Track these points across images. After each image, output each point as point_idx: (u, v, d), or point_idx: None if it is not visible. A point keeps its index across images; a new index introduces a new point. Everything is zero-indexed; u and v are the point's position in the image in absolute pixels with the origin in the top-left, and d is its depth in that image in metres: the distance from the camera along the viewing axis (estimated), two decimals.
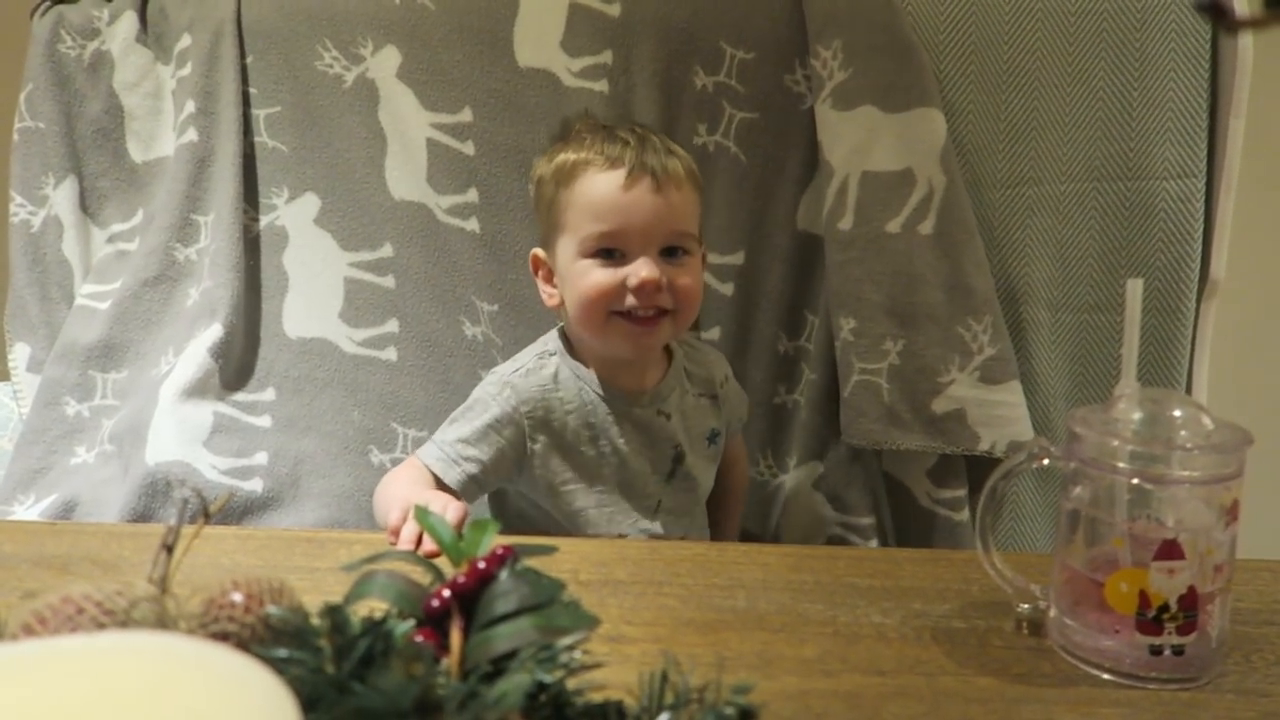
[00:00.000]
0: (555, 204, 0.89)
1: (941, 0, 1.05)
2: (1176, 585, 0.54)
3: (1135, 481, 0.56)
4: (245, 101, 1.12)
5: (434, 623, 0.41)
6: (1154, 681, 0.55)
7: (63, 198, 1.14)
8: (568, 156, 0.89)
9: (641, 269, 0.85)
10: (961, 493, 1.05)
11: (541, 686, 0.37)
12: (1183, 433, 0.56)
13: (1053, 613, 0.60)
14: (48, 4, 1.16)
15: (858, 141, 1.02)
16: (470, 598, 0.41)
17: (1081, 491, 0.58)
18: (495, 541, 0.44)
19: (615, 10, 1.07)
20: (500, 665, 0.38)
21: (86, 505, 1.00)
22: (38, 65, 1.14)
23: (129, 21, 1.14)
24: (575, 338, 0.92)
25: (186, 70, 1.12)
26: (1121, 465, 0.55)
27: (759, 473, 1.12)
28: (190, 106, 1.11)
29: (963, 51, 1.05)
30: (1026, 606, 0.62)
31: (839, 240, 1.03)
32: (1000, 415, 1.01)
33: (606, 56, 1.07)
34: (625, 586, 0.67)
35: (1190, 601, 0.54)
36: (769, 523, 1.11)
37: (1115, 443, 0.56)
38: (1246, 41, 1.01)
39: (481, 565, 0.42)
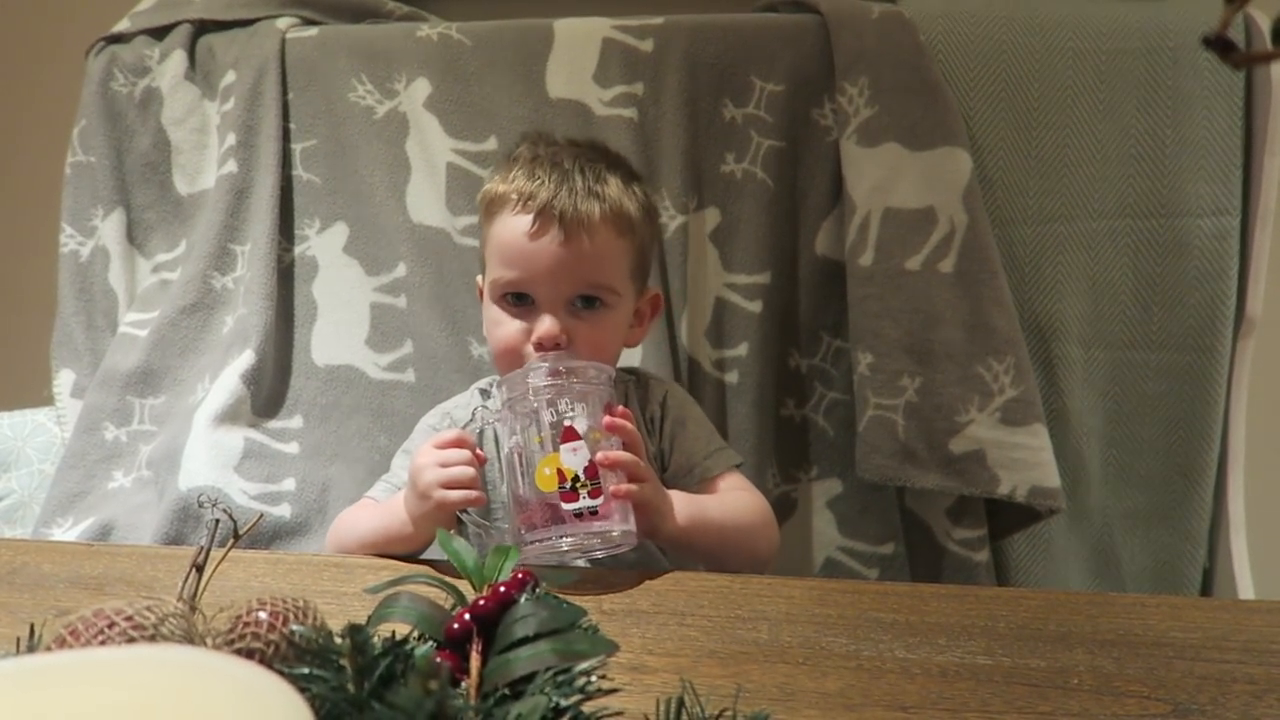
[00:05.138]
0: (481, 236, 0.89)
1: (971, 40, 1.05)
2: None
3: None
4: (285, 137, 1.15)
5: (455, 645, 0.41)
6: None
7: (111, 229, 1.18)
8: (495, 187, 0.86)
9: (543, 324, 0.81)
10: (981, 533, 1.03)
11: (558, 710, 0.37)
12: None
13: None
14: (101, 44, 1.21)
15: (881, 178, 1.03)
16: (490, 621, 0.42)
17: None
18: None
19: (648, 45, 1.10)
20: (518, 688, 0.38)
21: (122, 529, 1.02)
22: (91, 102, 1.19)
23: (178, 59, 1.18)
24: None
25: (230, 105, 1.16)
26: None
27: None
28: (231, 139, 1.14)
29: (993, 89, 1.05)
30: None
31: (859, 275, 1.03)
32: (1021, 458, 0.99)
33: (638, 88, 1.10)
34: (648, 616, 0.67)
35: None
36: None
37: None
38: None
39: (502, 589, 0.42)
